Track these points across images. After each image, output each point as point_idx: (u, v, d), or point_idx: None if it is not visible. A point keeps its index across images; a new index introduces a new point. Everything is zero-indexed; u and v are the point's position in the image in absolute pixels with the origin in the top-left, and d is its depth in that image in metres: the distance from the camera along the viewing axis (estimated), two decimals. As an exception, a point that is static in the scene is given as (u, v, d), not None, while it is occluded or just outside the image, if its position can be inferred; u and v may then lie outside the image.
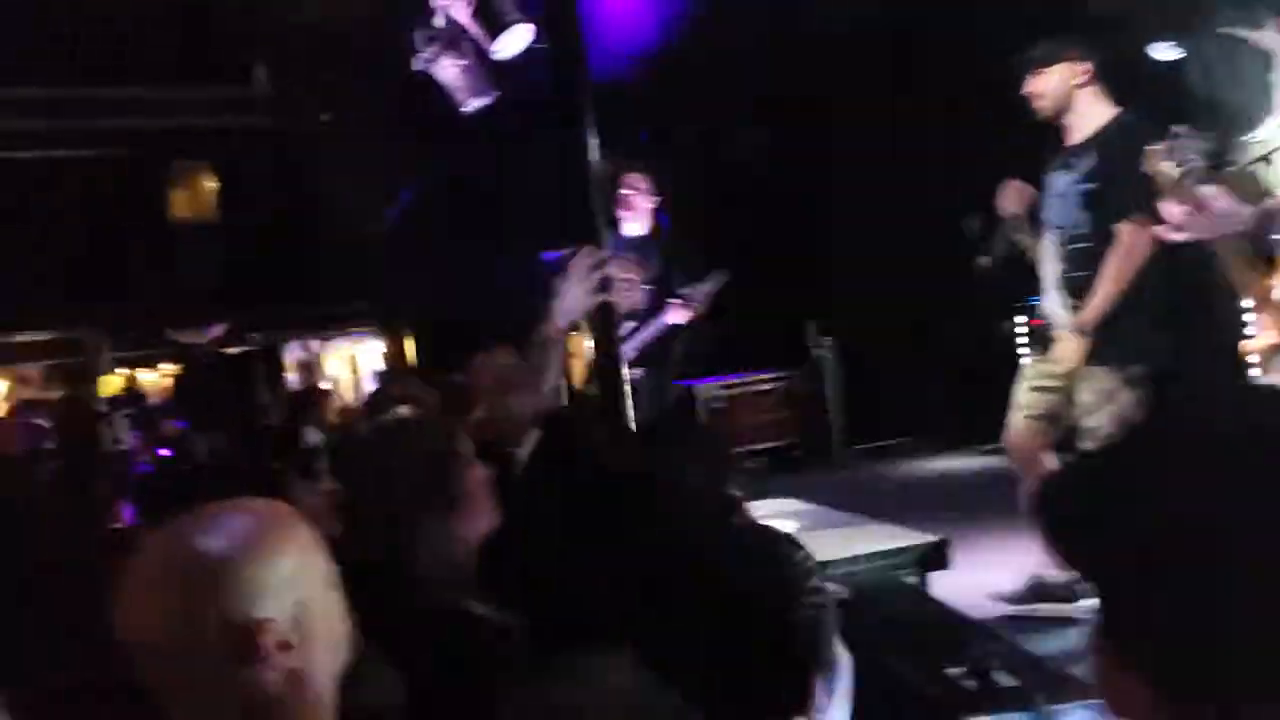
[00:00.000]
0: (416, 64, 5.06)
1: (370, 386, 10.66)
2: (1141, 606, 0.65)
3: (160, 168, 9.00)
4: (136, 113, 7.61)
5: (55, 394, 11.05)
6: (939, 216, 5.50)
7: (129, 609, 1.13)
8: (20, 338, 10.49)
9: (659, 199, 4.75)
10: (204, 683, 1.12)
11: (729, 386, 7.21)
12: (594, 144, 3.41)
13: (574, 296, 2.70)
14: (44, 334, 10.53)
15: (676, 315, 4.57)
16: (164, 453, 6.60)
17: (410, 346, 10.12)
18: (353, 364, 12.07)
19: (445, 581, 1.83)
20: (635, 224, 4.69)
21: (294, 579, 1.17)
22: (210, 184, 9.46)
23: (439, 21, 5.06)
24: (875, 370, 6.87)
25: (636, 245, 4.65)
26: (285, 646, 1.13)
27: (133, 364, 12.89)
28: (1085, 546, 0.70)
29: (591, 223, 3.48)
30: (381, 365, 11.17)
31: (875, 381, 6.85)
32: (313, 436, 4.34)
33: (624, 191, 4.61)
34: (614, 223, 4.69)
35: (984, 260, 3.75)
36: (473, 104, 4.83)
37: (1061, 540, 0.72)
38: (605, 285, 2.84)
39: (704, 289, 4.59)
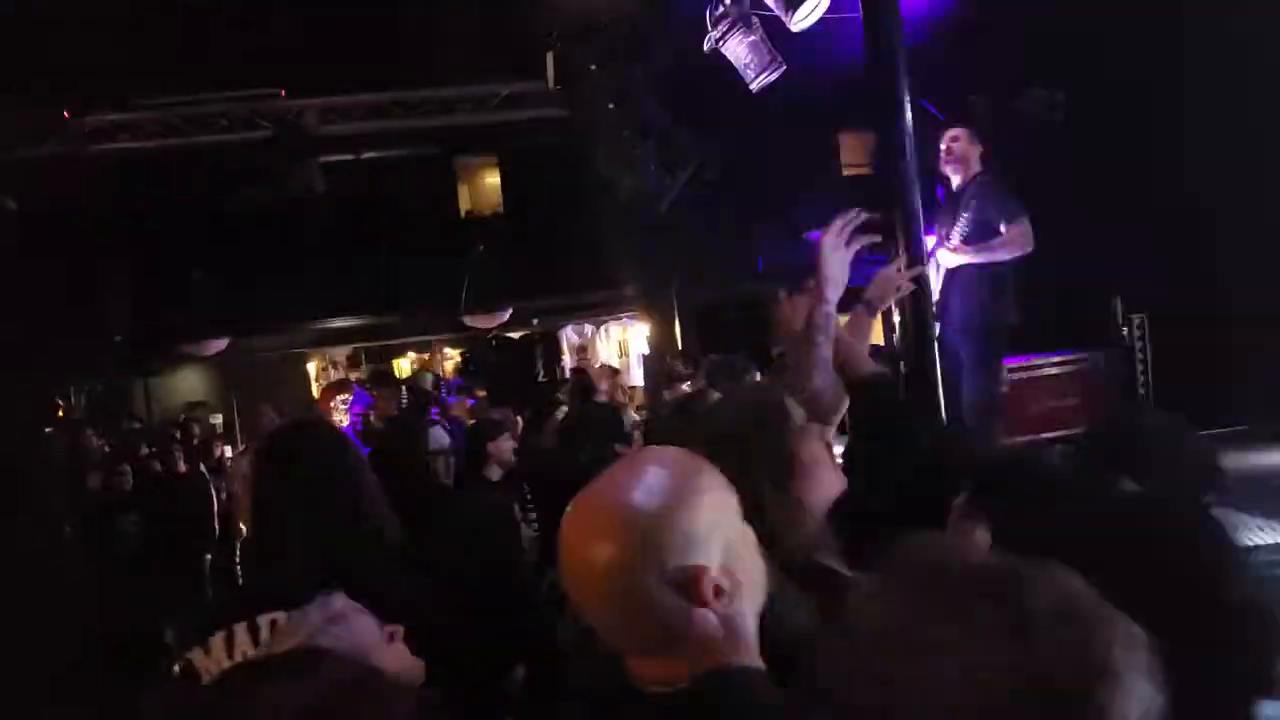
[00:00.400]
0: (706, 44, 5.13)
1: (637, 368, 11.02)
2: None
3: (454, 163, 9.68)
4: (436, 112, 8.21)
5: (358, 374, 12.22)
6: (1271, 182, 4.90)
7: (575, 565, 1.19)
8: (334, 323, 11.62)
9: (979, 150, 4.61)
10: (651, 631, 1.16)
11: (1014, 370, 6.75)
12: (906, 110, 3.30)
13: (835, 263, 2.59)
14: (353, 320, 11.60)
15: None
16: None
17: (677, 329, 10.32)
18: (622, 347, 12.52)
19: (797, 546, 1.82)
20: (956, 177, 4.62)
21: (719, 521, 1.20)
22: (497, 177, 10.09)
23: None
24: (1195, 351, 6.17)
25: (958, 198, 4.59)
26: (720, 591, 1.17)
27: (424, 348, 14.03)
28: None
29: (903, 190, 3.39)
30: (646, 349, 11.48)
31: (1193, 364, 6.18)
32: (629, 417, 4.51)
33: (947, 145, 4.54)
34: (942, 181, 4.64)
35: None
36: (762, 80, 4.84)
37: None
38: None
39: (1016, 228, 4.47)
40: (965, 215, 4.48)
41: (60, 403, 10.92)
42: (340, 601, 1.67)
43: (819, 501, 1.89)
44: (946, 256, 4.53)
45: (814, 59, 5.11)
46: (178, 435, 7.62)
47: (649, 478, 1.21)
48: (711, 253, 8.82)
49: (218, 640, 1.93)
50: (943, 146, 4.54)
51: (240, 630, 1.94)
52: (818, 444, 1.93)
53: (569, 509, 1.23)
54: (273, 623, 1.96)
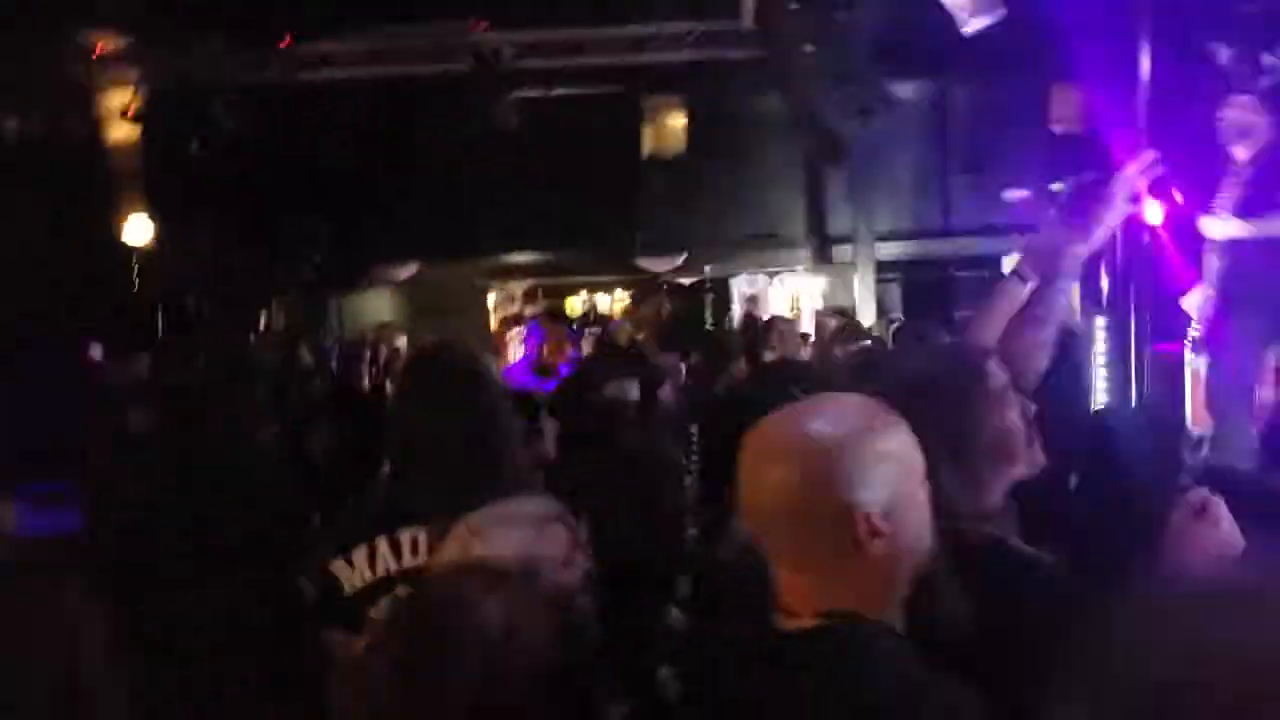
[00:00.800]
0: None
1: (809, 324, 10.81)
2: None
3: (640, 103, 9.65)
4: (628, 49, 8.19)
5: (533, 309, 12.53)
6: None
7: (753, 482, 1.27)
8: (513, 257, 11.93)
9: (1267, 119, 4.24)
10: (813, 554, 1.24)
11: None
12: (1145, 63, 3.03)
13: (1115, 212, 2.39)
14: (531, 255, 11.86)
15: None
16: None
17: (856, 286, 10.03)
18: (795, 300, 12.31)
19: (970, 516, 1.73)
20: (1242, 149, 4.25)
21: (891, 469, 1.25)
22: (681, 119, 10.01)
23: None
24: None
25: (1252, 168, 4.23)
26: (877, 533, 1.21)
27: (596, 288, 14.23)
28: None
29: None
30: (821, 304, 11.23)
31: None
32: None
33: (1231, 113, 4.19)
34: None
35: None
36: (977, 24, 4.55)
37: None
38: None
39: None
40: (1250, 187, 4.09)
41: (264, 314, 11.73)
42: (546, 506, 1.72)
43: (1005, 474, 1.79)
44: (1214, 225, 4.17)
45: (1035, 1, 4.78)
46: (367, 353, 8.03)
47: (830, 413, 1.29)
48: (900, 208, 8.50)
49: (360, 553, 2.02)
50: (1221, 115, 4.16)
51: (382, 544, 2.02)
52: (1014, 415, 1.81)
53: (753, 430, 1.31)
54: (414, 539, 2.03)
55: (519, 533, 1.61)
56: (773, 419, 1.31)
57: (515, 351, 9.60)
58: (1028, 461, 1.76)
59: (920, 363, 1.98)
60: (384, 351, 8.27)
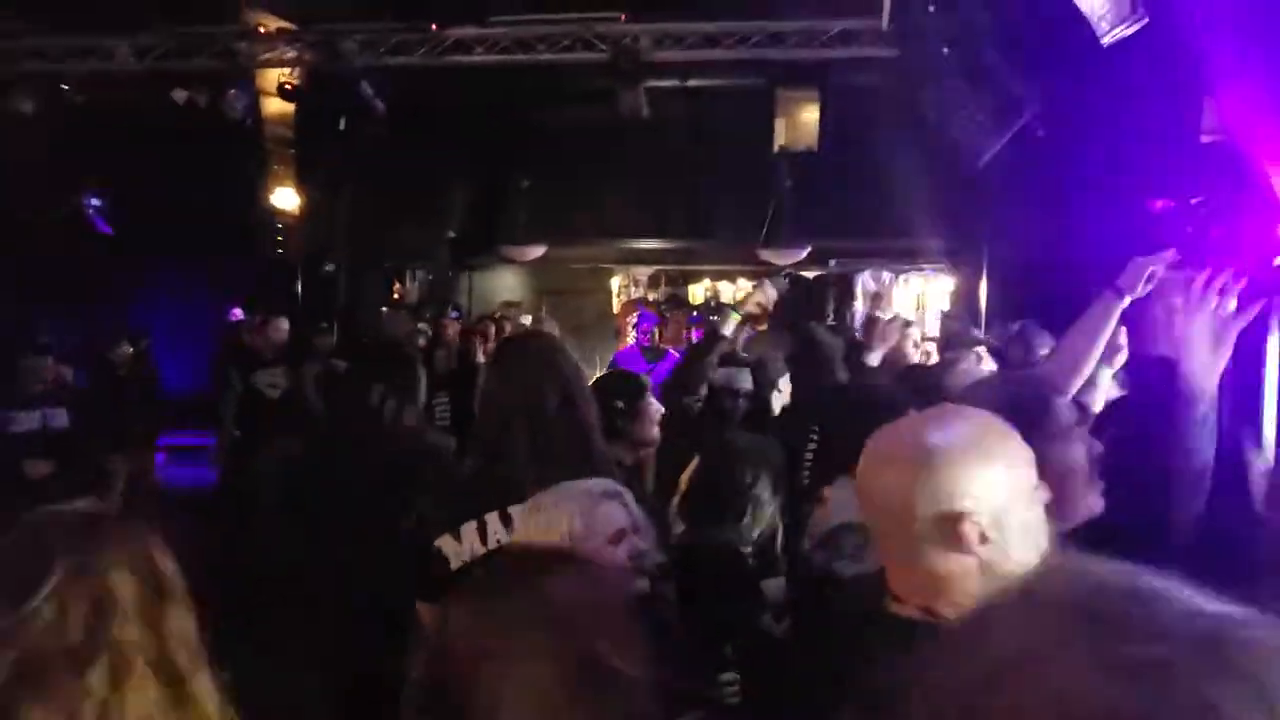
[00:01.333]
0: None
1: (934, 324, 10.58)
2: None
3: (775, 95, 9.63)
4: (765, 44, 8.19)
5: (655, 295, 12.67)
6: None
7: (872, 484, 1.40)
8: (639, 243, 12.09)
9: None
10: (913, 552, 1.34)
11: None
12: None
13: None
14: (656, 242, 11.99)
15: None
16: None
17: (983, 290, 9.78)
18: (919, 300, 12.06)
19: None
20: None
21: (997, 485, 1.33)
22: (814, 113, 9.94)
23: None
24: None
25: None
26: (982, 539, 1.30)
27: (721, 277, 14.26)
28: None
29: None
30: (948, 305, 10.97)
31: None
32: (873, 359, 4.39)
33: None
34: None
35: None
36: (1117, 33, 4.41)
37: None
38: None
39: None
40: None
41: (400, 287, 12.24)
42: (603, 485, 1.83)
43: (1060, 514, 1.79)
44: None
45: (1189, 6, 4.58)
46: (492, 329, 8.31)
47: (949, 424, 1.38)
48: (1033, 213, 8.24)
49: (469, 529, 2.17)
50: None
51: (493, 520, 2.16)
52: (1079, 453, 1.81)
53: (877, 434, 1.44)
54: (510, 514, 2.16)
55: (570, 509, 1.73)
56: (896, 426, 1.45)
57: (630, 336, 9.77)
58: (1085, 505, 1.77)
59: (985, 390, 2.00)
60: (507, 329, 8.54)
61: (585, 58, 8.30)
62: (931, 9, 6.36)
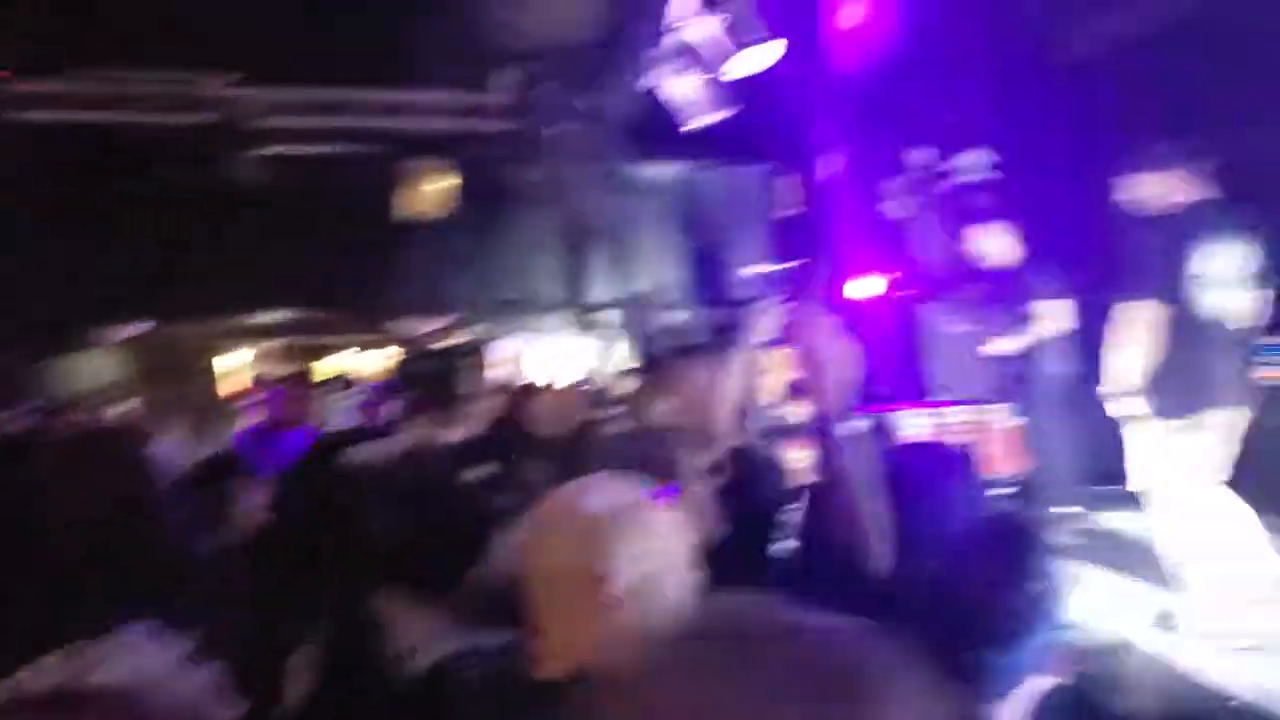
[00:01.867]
0: (646, 80, 5.16)
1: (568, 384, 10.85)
2: None
3: (399, 167, 9.57)
4: (385, 114, 8.13)
5: (276, 371, 11.94)
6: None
7: (527, 543, 1.48)
8: (259, 317, 11.38)
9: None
10: (564, 610, 1.41)
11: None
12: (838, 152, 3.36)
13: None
14: (281, 314, 11.36)
15: None
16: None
17: (619, 348, 10.30)
18: (552, 365, 12.38)
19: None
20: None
21: (643, 553, 1.41)
22: (443, 183, 10.00)
23: (674, 39, 5.14)
24: None
25: None
26: (620, 603, 1.37)
27: (352, 349, 13.76)
28: None
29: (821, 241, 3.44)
30: (587, 366, 11.39)
31: None
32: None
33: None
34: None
35: None
36: (699, 121, 4.87)
37: None
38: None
39: None
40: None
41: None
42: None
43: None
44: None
45: (761, 98, 5.16)
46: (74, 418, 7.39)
47: (602, 492, 1.47)
48: (650, 279, 8.88)
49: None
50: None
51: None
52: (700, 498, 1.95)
53: (539, 502, 1.52)
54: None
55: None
56: (554, 493, 1.53)
57: (251, 414, 9.08)
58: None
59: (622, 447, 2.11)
60: (99, 417, 7.64)
61: (185, 120, 7.75)
62: (547, 87, 6.66)
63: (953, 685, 1.37)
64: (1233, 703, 3.15)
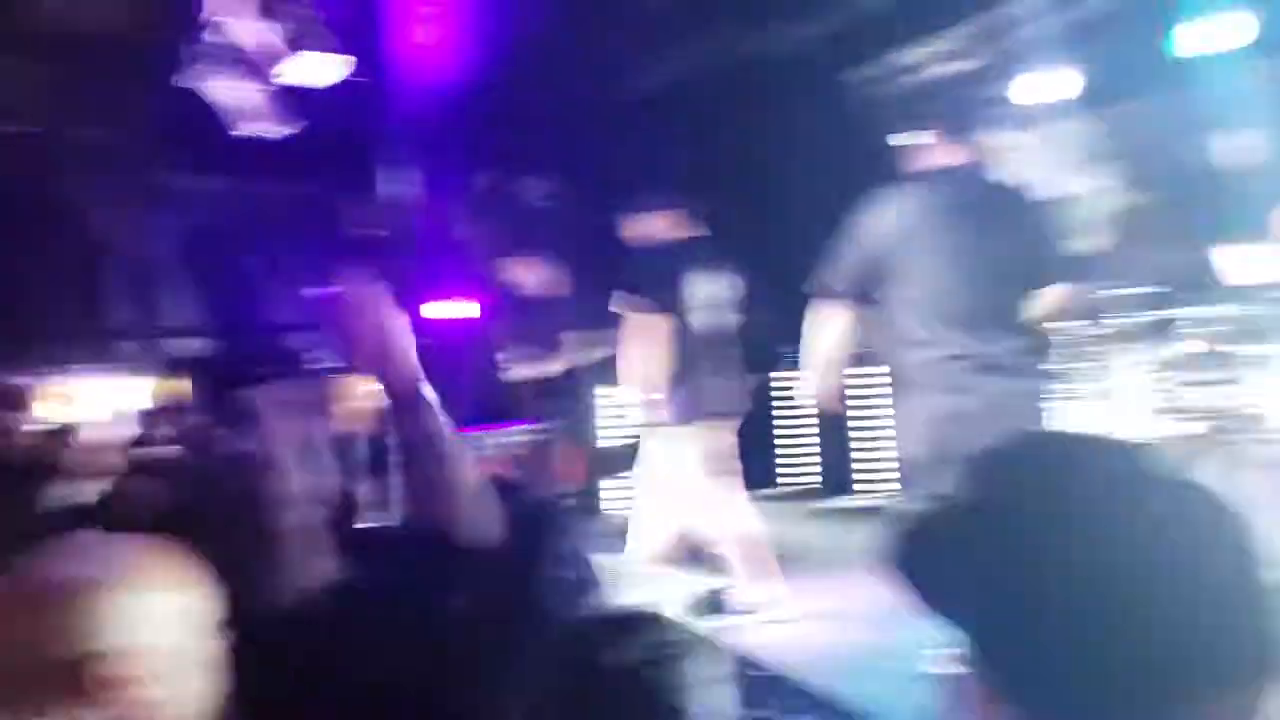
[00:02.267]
0: (182, 80, 4.60)
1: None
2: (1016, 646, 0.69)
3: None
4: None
5: None
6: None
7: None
8: None
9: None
10: (48, 707, 1.11)
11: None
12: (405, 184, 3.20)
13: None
14: None
15: None
16: None
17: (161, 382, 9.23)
18: (84, 402, 10.95)
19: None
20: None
21: (155, 617, 1.15)
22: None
23: (211, 37, 4.60)
24: None
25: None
26: (123, 683, 1.11)
27: None
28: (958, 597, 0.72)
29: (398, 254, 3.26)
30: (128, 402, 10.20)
31: None
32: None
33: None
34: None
35: None
36: (249, 128, 4.45)
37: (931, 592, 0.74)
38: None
39: None
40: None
41: None
42: None
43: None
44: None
45: (328, 113, 4.92)
46: None
47: (91, 555, 1.18)
48: (193, 303, 8.09)
49: None
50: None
51: None
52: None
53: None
54: None
55: None
56: (29, 565, 1.20)
57: None
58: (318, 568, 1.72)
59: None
60: None
61: None
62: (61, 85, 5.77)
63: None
64: (763, 673, 3.47)
